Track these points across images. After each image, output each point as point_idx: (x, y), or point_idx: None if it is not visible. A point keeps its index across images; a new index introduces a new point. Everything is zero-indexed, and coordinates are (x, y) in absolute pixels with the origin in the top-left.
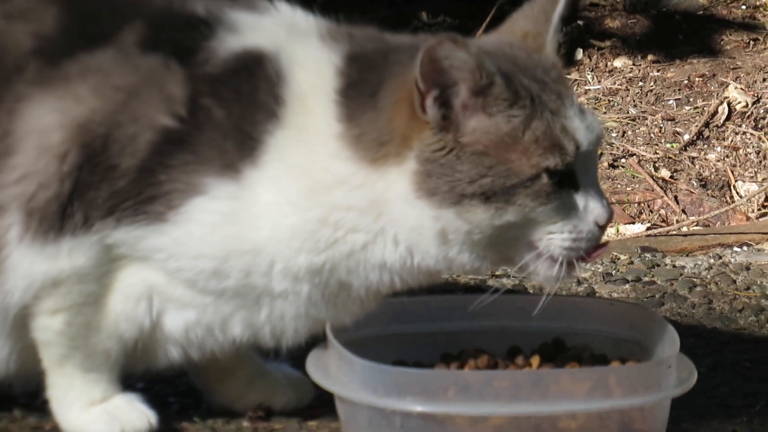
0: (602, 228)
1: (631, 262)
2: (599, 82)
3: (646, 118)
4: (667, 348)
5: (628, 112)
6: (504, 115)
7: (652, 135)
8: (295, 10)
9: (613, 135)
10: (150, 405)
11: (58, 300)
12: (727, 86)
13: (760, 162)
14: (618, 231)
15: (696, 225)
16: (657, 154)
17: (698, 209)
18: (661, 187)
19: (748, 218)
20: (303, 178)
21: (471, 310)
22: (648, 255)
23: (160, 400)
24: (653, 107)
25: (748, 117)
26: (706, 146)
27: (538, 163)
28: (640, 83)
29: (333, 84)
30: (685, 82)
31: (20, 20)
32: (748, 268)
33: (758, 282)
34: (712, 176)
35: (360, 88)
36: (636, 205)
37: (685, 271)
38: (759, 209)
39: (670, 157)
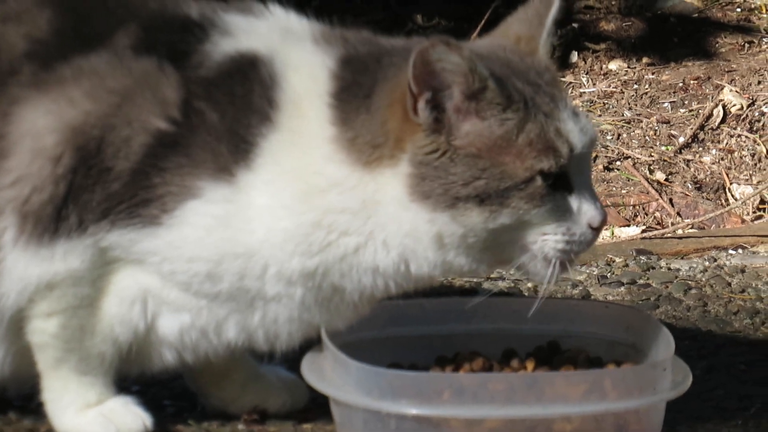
0: (596, 230)
1: (626, 265)
2: (594, 84)
3: (641, 121)
4: (662, 351)
5: (623, 115)
6: (497, 119)
7: (647, 138)
8: (289, 13)
9: (608, 138)
10: (145, 408)
11: (52, 303)
12: (722, 89)
13: (755, 165)
14: (613, 234)
15: (691, 228)
16: (652, 156)
17: (693, 212)
18: (656, 190)
19: (743, 221)
20: (297, 182)
21: (466, 312)
22: (643, 258)
23: (155, 403)
24: (648, 110)
25: (743, 120)
26: (701, 149)
27: (532, 165)
28: (635, 86)
29: (327, 87)
30: (680, 84)
31: (14, 22)
32: (743, 271)
33: (753, 285)
34: (707, 179)
35: (354, 91)
36: (631, 207)
37: (680, 273)
38: (754, 212)
39: (665, 160)
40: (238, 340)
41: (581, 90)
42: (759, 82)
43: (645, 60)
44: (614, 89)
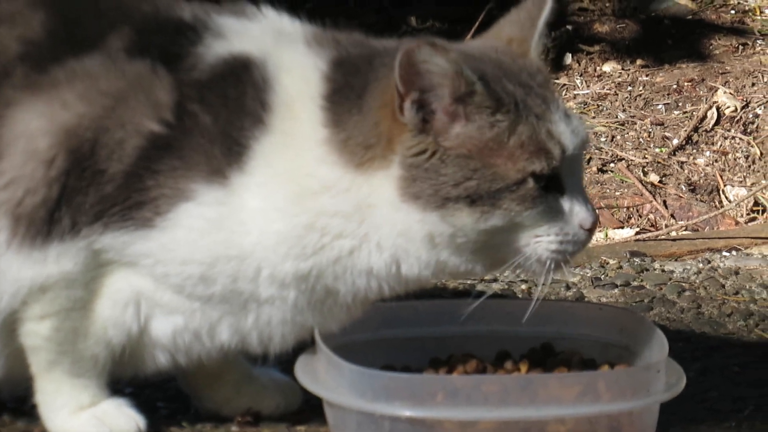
0: (589, 231)
1: (620, 267)
2: (588, 86)
3: (635, 123)
4: (655, 353)
5: (617, 117)
6: (487, 122)
7: (641, 140)
8: (282, 15)
9: (602, 140)
10: (138, 410)
11: (45, 305)
12: (716, 91)
13: (749, 166)
14: (607, 235)
15: (685, 229)
16: (646, 158)
17: (687, 214)
18: (650, 192)
19: (737, 223)
20: (289, 184)
21: (460, 314)
22: (637, 259)
23: (148, 405)
24: (642, 112)
25: (737, 122)
26: (695, 151)
27: (524, 167)
28: (629, 88)
29: (319, 89)
30: (674, 86)
31: (7, 24)
32: (736, 273)
33: (747, 286)
34: (701, 181)
35: (345, 92)
36: (625, 209)
37: (674, 275)
38: (748, 214)
39: (659, 162)
40: (232, 343)
41: (575, 92)
42: (753, 84)
43: (639, 62)
44: (608, 91)
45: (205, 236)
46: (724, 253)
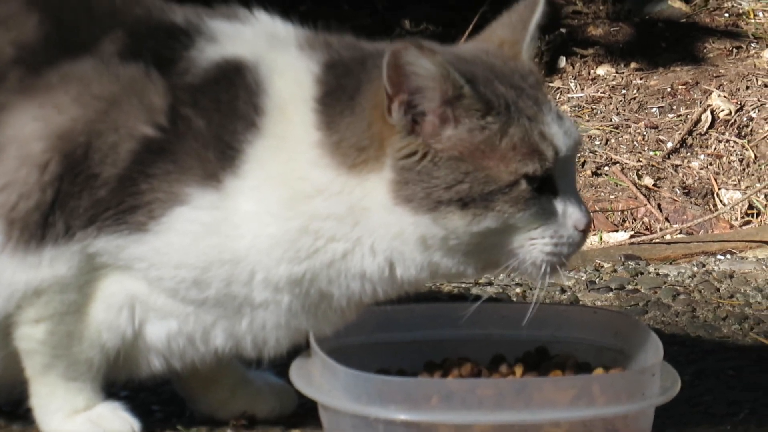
0: (583, 232)
1: (615, 270)
2: (582, 89)
3: (629, 126)
4: (650, 356)
5: (611, 120)
6: (477, 125)
7: (635, 143)
8: (274, 19)
9: (596, 143)
10: (133, 413)
11: (40, 309)
12: (710, 94)
13: (744, 170)
14: (601, 239)
15: (679, 233)
16: (640, 162)
17: (681, 217)
18: (645, 195)
19: (731, 226)
20: (283, 187)
21: (459, 321)
22: (631, 263)
23: (143, 409)
24: (636, 115)
25: (732, 125)
26: (689, 154)
27: (516, 169)
28: (623, 91)
29: (311, 92)
30: (668, 89)
31: (1, 28)
32: (731, 277)
33: (742, 290)
34: (696, 184)
35: (338, 95)
36: (619, 213)
37: (669, 279)
38: (742, 217)
39: (653, 165)
40: (226, 347)
41: (569, 95)
42: (747, 87)
43: (633, 65)
44: (602, 94)
45: (198, 240)
46: (719, 257)
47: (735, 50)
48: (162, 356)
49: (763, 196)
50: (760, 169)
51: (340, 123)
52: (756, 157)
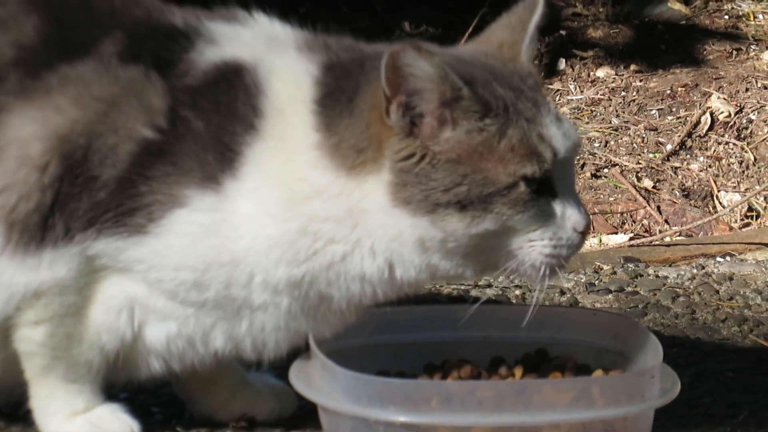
0: (582, 234)
1: (614, 273)
2: (582, 92)
3: (629, 128)
4: (650, 358)
5: (610, 122)
6: (476, 126)
7: (634, 145)
8: (273, 21)
9: (596, 145)
10: (133, 415)
11: (39, 311)
12: (709, 96)
13: (743, 172)
14: (601, 241)
15: (679, 235)
16: (640, 164)
17: (681, 219)
18: (644, 197)
19: (731, 228)
20: (281, 189)
21: (455, 319)
22: (631, 265)
23: (143, 410)
24: (636, 117)
25: (731, 127)
26: (688, 156)
27: (515, 171)
28: (623, 93)
29: (310, 94)
30: (668, 92)
31: (0, 30)
32: (731, 279)
33: (741, 292)
34: (695, 186)
35: (337, 96)
36: (619, 215)
37: (668, 281)
38: (742, 219)
39: (652, 167)
40: (226, 349)
41: (569, 97)
42: (747, 90)
43: (633, 67)
44: (602, 96)
45: (198, 242)
46: (718, 259)
47: (735, 52)
48: (161, 358)
49: (762, 199)
50: (760, 171)
51: (339, 125)
52: (755, 159)
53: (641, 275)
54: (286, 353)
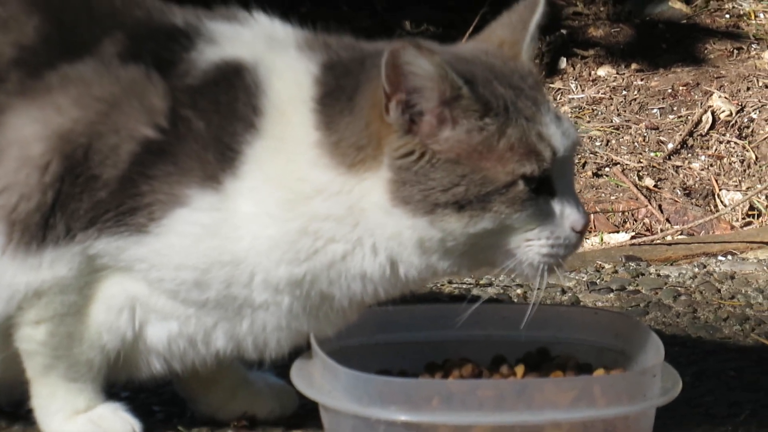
0: (580, 233)
1: (616, 271)
2: (583, 91)
3: (630, 127)
4: (651, 357)
5: (611, 121)
6: (476, 125)
7: (636, 144)
8: (273, 20)
9: (597, 144)
10: (134, 414)
11: (40, 311)
12: (711, 95)
13: (744, 171)
14: (602, 240)
15: (680, 234)
16: (641, 163)
17: (682, 218)
18: (645, 196)
19: (732, 227)
20: (282, 189)
21: (458, 322)
22: (632, 264)
23: (144, 409)
24: (637, 116)
25: (732, 126)
26: (690, 155)
27: (514, 170)
28: (624, 92)
29: (311, 93)
30: (669, 90)
31: (1, 30)
32: (732, 277)
33: (743, 291)
34: (697, 185)
35: (337, 94)
36: (620, 214)
37: (670, 280)
38: (743, 218)
39: (654, 166)
40: (227, 349)
41: (570, 96)
42: (748, 89)
43: (634, 66)
44: (603, 95)
45: (199, 242)
46: (720, 258)
47: (736, 51)
48: (162, 358)
49: (763, 197)
50: (761, 170)
51: (339, 123)
52: (757, 158)
53: (643, 274)
54: (288, 352)
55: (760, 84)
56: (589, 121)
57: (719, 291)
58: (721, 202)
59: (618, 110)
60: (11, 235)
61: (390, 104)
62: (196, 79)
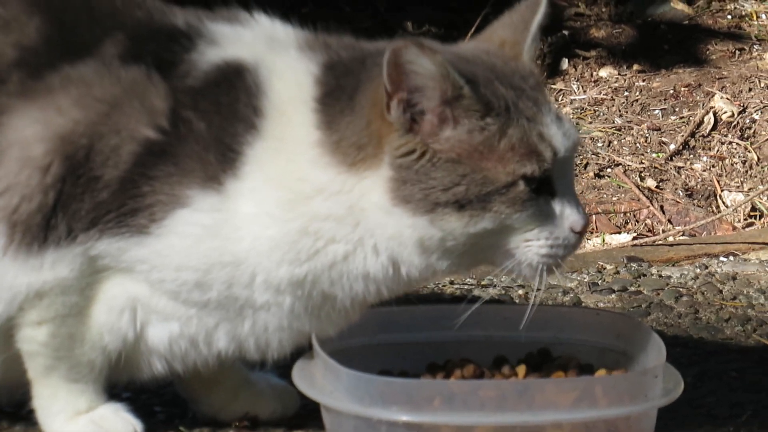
0: (579, 234)
1: (618, 272)
2: (585, 91)
3: (632, 128)
4: (653, 358)
5: (613, 122)
6: (477, 125)
7: (637, 145)
8: (274, 21)
9: (599, 145)
10: (136, 414)
11: (42, 311)
12: (712, 96)
13: (746, 172)
14: (604, 241)
15: (682, 235)
16: (643, 163)
17: (684, 219)
18: (647, 197)
19: (734, 228)
20: (282, 189)
21: (457, 323)
22: (634, 265)
23: (145, 410)
24: (639, 117)
25: (734, 127)
26: (692, 156)
27: (514, 170)
28: (626, 93)
29: (311, 93)
30: (671, 91)
31: (2, 30)
32: (734, 278)
33: (744, 292)
34: (698, 186)
35: (338, 94)
36: (622, 215)
37: (672, 280)
38: (745, 219)
39: (656, 167)
40: (229, 350)
41: (572, 97)
42: (750, 89)
43: (636, 67)
44: (605, 96)
45: (200, 243)
46: (722, 259)
47: (738, 52)
48: (164, 359)
49: (765, 198)
50: (763, 171)
51: (340, 122)
52: (759, 159)
53: (644, 275)
54: (290, 353)
55: (762, 85)
56: (590, 122)
57: (721, 292)
58: (723, 203)
59: (620, 111)
60: (12, 236)
61: (391, 103)
62: (197, 80)
